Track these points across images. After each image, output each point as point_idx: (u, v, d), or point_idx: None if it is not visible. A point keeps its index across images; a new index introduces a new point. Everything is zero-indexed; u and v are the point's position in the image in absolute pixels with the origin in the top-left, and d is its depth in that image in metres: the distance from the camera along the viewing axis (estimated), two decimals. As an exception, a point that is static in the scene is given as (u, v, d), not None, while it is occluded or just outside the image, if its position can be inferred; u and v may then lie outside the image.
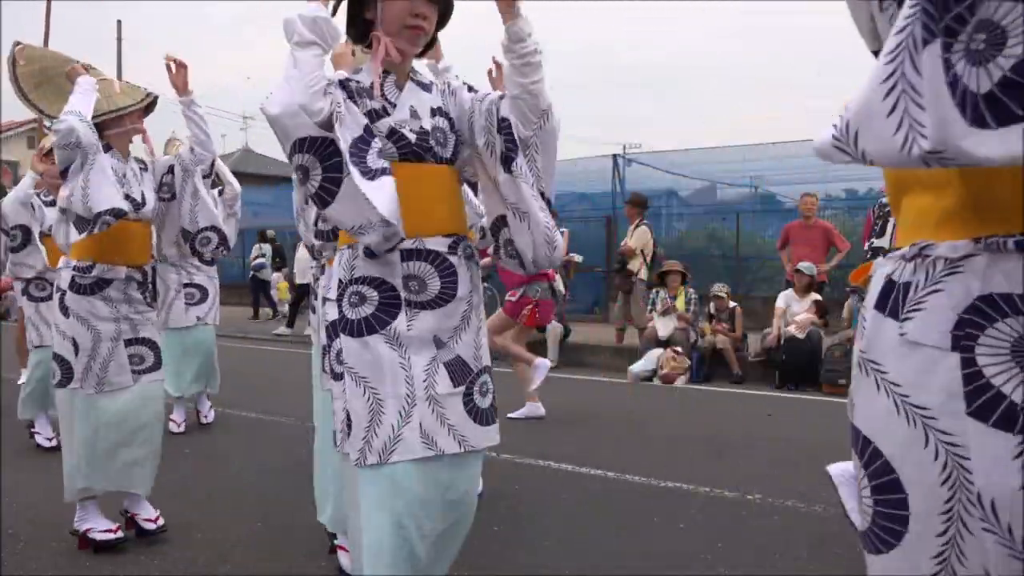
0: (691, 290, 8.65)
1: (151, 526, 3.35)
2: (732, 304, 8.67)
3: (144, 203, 3.34)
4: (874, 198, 9.25)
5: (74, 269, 3.21)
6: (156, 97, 3.45)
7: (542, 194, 2.08)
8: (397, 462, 1.94)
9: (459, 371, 2.04)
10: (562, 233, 3.15)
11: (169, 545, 3.32)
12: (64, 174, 3.08)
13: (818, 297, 8.08)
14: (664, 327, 8.41)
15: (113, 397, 3.23)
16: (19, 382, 6.43)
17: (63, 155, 3.05)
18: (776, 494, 4.04)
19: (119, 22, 21.68)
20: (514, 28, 1.98)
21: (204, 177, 3.62)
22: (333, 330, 2.03)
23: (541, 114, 2.03)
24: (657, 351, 8.25)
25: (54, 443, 4.93)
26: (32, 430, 5.13)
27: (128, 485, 3.31)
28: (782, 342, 7.81)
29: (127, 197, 3.22)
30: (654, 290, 8.83)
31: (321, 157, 1.89)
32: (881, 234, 3.26)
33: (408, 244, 1.99)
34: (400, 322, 1.98)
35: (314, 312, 4.45)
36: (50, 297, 4.82)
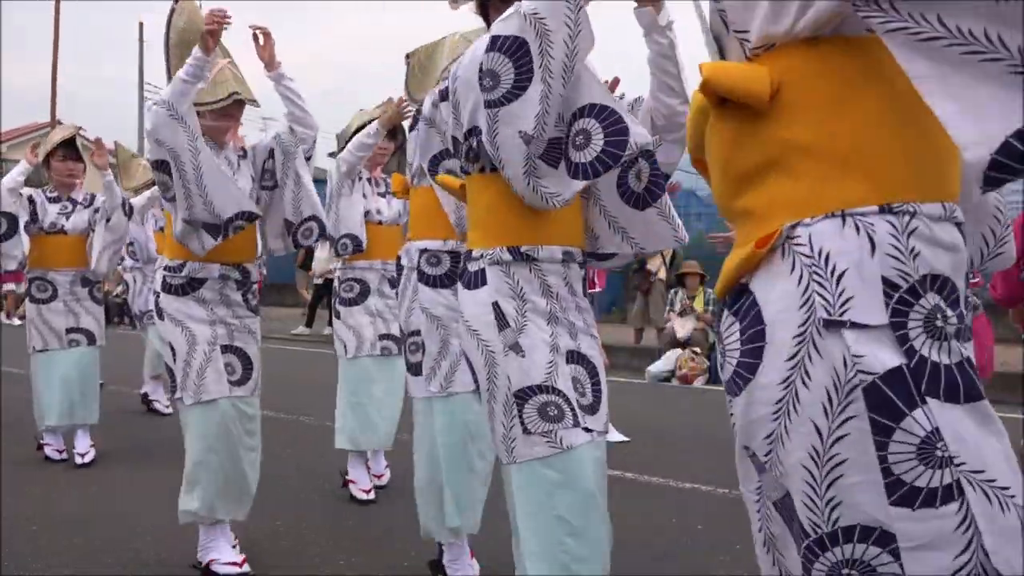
0: (710, 291, 8.53)
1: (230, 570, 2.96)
2: (752, 304, 8.54)
3: None
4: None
5: (165, 269, 2.94)
6: (238, 98, 2.96)
7: None
8: None
9: None
10: None
11: (176, 540, 3.23)
12: (158, 167, 2.74)
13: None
14: (683, 328, 8.30)
15: (214, 408, 2.90)
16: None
17: (153, 148, 2.73)
18: (798, 496, 3.93)
19: (141, 24, 21.86)
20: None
21: (307, 159, 3.20)
22: None
23: None
24: (675, 352, 8.14)
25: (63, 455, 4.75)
26: (41, 442, 4.83)
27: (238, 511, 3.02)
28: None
29: None
30: (673, 290, 8.72)
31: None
32: None
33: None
34: None
35: (338, 317, 4.25)
36: (53, 298, 4.70)
